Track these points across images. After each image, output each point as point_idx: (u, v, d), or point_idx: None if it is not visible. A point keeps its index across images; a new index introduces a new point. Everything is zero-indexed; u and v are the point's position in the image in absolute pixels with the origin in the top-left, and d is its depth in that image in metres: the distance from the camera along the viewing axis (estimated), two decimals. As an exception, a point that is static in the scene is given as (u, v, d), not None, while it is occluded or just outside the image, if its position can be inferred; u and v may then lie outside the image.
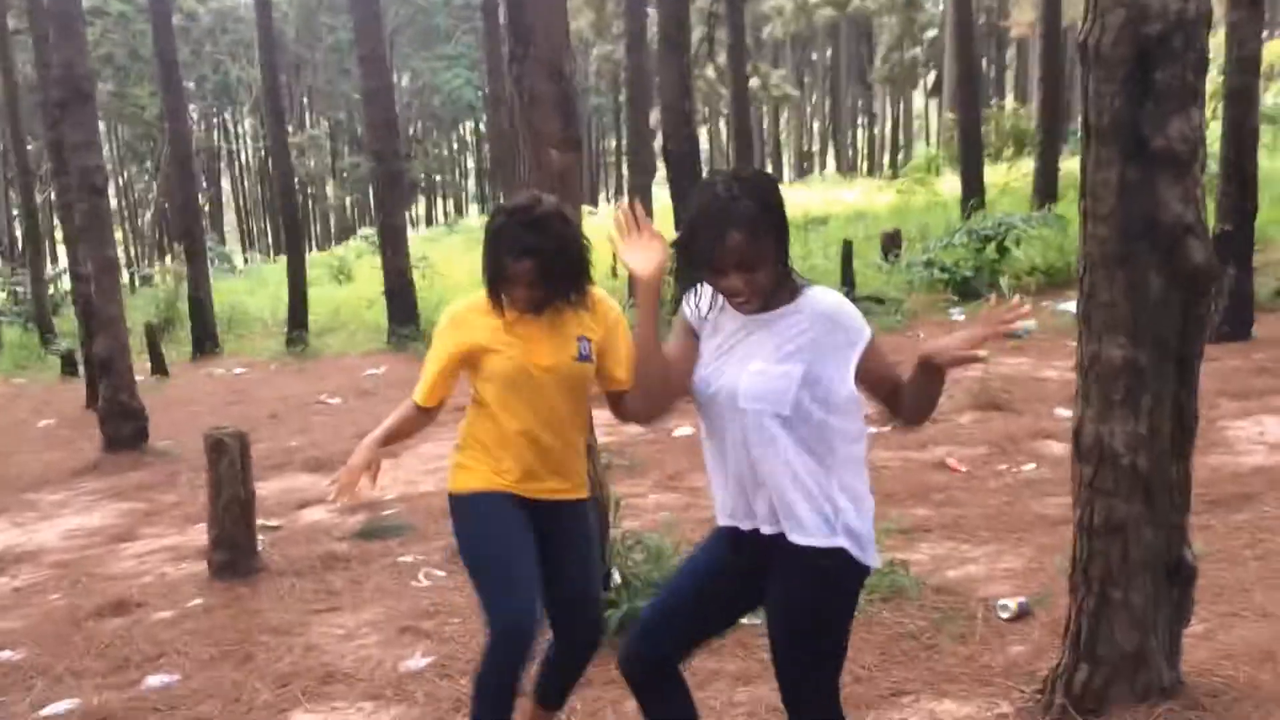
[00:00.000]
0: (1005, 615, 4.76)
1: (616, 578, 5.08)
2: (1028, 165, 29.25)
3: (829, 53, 70.09)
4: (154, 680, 4.87)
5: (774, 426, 2.64)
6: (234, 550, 6.12)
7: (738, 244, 2.57)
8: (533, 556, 3.37)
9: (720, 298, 2.73)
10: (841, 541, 2.66)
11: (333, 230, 67.81)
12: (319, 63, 60.37)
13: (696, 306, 2.83)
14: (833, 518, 2.67)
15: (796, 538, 2.67)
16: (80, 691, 4.81)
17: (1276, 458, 6.63)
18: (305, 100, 68.78)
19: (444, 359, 3.38)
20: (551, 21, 4.84)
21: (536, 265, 3.16)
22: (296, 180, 27.91)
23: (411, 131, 65.65)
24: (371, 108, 17.37)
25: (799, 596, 2.73)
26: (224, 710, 4.54)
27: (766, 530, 2.74)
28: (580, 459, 3.53)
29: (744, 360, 2.67)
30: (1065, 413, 8.20)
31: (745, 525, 2.78)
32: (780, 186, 2.75)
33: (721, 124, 62.69)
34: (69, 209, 14.14)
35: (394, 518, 7.23)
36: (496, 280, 3.25)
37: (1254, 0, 10.21)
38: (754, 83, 40.84)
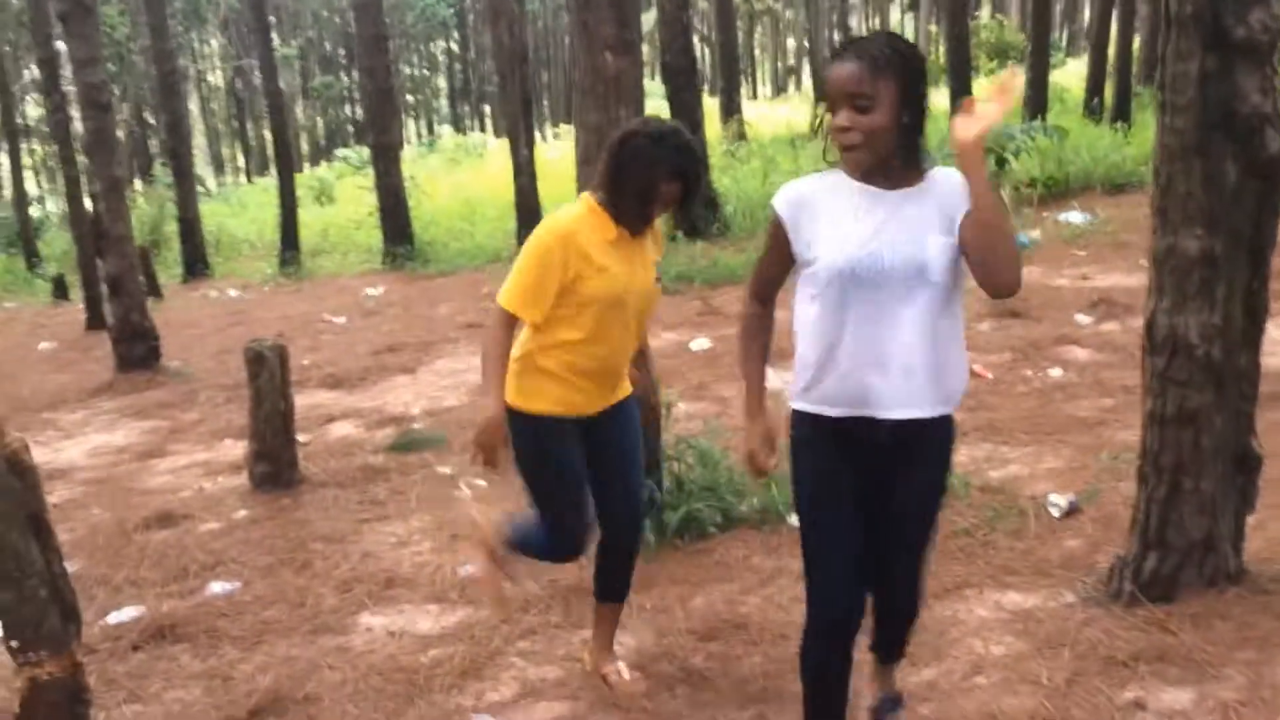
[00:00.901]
0: (1056, 512, 4.84)
1: (665, 482, 5.14)
2: (1013, 78, 29.14)
3: (805, -34, 69.21)
4: (216, 587, 4.92)
5: (946, 298, 2.64)
6: (275, 462, 6.14)
7: (851, 73, 2.53)
8: (585, 480, 3.54)
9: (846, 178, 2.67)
10: (949, 408, 2.77)
11: (305, 152, 66.98)
12: (287, -19, 59.18)
13: (795, 197, 2.74)
14: (959, 384, 2.76)
15: (940, 410, 2.72)
16: (144, 600, 4.85)
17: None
18: (273, 19, 67.47)
19: (546, 268, 3.27)
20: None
21: (684, 186, 3.34)
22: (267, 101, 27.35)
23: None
24: (362, 22, 17.05)
25: (937, 468, 2.83)
26: (291, 614, 4.60)
27: (903, 415, 2.67)
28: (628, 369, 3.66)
29: (915, 233, 2.59)
30: (1085, 319, 8.29)
31: (878, 414, 2.67)
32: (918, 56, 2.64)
33: (695, 39, 62.04)
34: (62, 127, 13.94)
35: (424, 431, 7.25)
36: (643, 200, 3.32)
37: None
38: (735, -3, 40.36)
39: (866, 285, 2.61)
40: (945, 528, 4.82)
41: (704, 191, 3.29)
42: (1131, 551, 3.92)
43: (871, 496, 2.79)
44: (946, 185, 2.63)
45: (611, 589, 3.76)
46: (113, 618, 4.66)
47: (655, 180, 3.28)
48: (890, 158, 2.61)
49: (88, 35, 9.08)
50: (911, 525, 2.87)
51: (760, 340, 2.93)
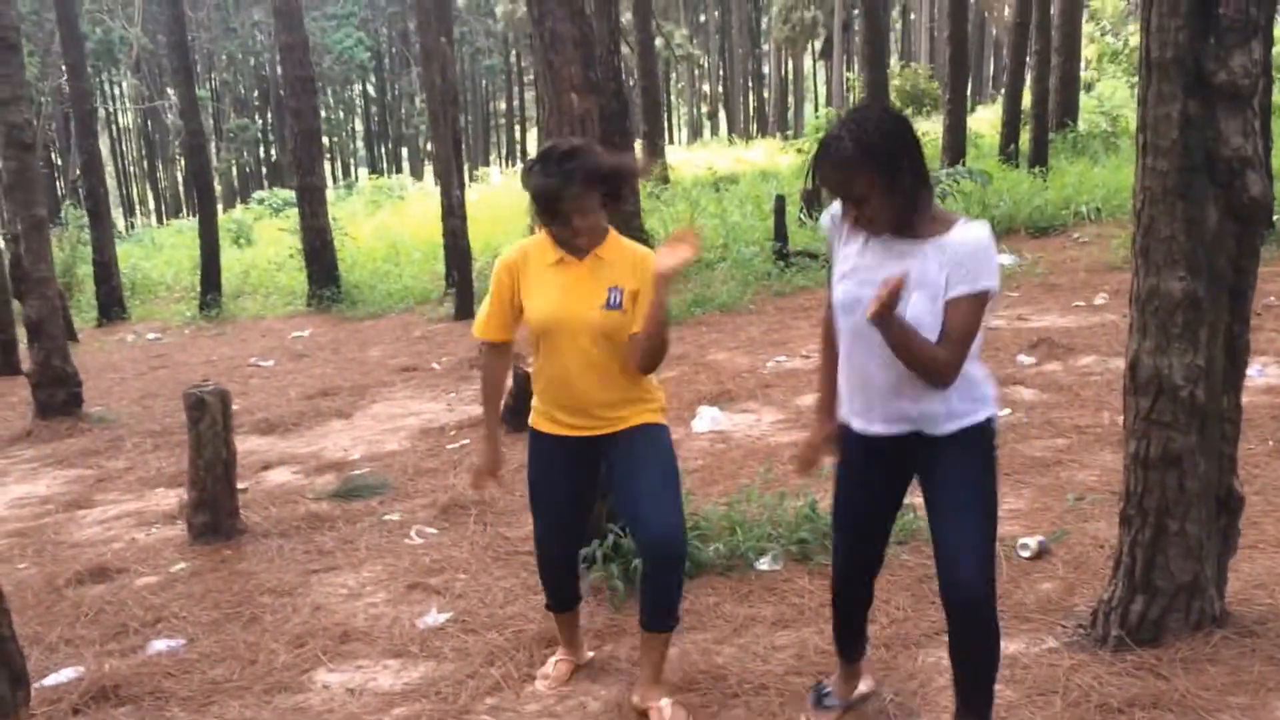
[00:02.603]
0: (1026, 554, 4.79)
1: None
2: (927, 125, 29.70)
3: (717, 14, 70.25)
4: (159, 644, 4.67)
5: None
6: (216, 512, 5.89)
7: (831, 181, 2.83)
8: (563, 493, 3.71)
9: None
10: (976, 418, 2.99)
11: (219, 193, 65.94)
12: (202, 21, 58.28)
13: (832, 216, 3.04)
14: (954, 410, 2.97)
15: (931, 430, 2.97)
16: (81, 659, 4.59)
17: (1245, 398, 6.78)
18: (187, 60, 66.33)
19: (495, 294, 3.58)
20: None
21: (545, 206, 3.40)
22: (180, 142, 26.76)
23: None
24: (288, 63, 16.81)
25: (955, 473, 2.98)
26: (242, 672, 4.37)
27: (897, 431, 3.02)
28: (629, 399, 3.59)
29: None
30: (1027, 359, 8.35)
31: (879, 429, 3.04)
32: (905, 124, 2.86)
33: (616, 86, 62.22)
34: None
35: (367, 477, 7.04)
36: (547, 222, 3.45)
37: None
38: (657, 42, 40.68)
39: (846, 316, 3.07)
40: (915, 572, 4.77)
41: (565, 207, 3.40)
42: (1116, 595, 3.87)
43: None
44: (951, 247, 2.88)
45: (646, 616, 3.65)
46: (50, 679, 4.40)
47: (534, 202, 3.41)
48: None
49: (10, 74, 8.78)
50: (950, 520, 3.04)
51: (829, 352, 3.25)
